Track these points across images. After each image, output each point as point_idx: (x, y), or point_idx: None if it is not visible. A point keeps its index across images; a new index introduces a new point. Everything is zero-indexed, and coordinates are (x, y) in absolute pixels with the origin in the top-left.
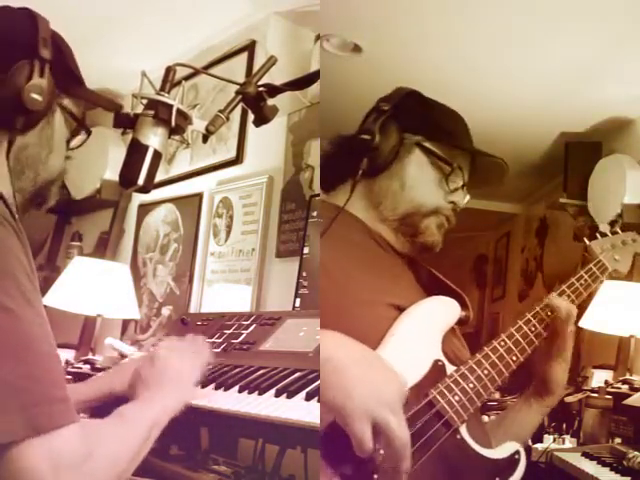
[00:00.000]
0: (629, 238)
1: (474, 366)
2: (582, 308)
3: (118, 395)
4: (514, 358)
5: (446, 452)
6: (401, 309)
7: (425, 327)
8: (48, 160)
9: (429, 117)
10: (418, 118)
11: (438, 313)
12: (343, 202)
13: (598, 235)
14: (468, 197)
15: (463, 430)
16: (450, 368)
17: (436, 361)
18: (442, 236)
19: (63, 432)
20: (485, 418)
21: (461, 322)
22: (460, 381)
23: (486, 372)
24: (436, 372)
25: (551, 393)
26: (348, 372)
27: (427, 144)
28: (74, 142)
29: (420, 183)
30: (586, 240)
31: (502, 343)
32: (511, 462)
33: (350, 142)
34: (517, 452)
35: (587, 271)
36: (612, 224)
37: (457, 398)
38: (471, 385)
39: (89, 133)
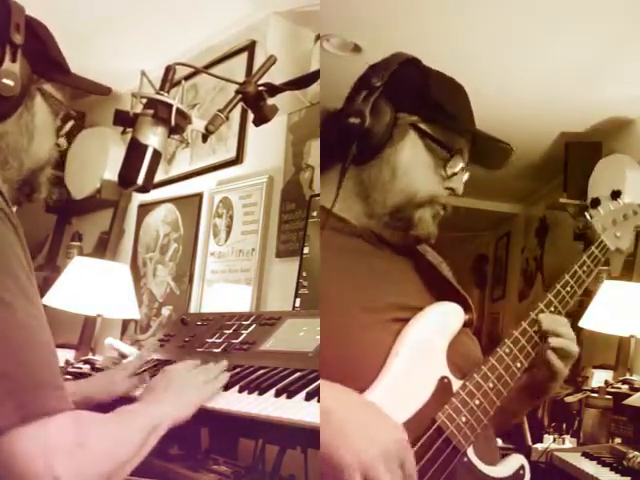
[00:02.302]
0: (630, 210)
1: (480, 381)
2: (582, 308)
3: (96, 401)
4: (519, 365)
5: (454, 477)
6: (404, 320)
7: (429, 341)
8: (30, 148)
9: (427, 94)
10: (414, 95)
11: (440, 324)
12: (329, 198)
13: (600, 210)
14: (467, 176)
15: (470, 451)
16: (456, 383)
17: (442, 378)
18: (437, 226)
19: (56, 419)
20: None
21: (464, 325)
22: (467, 400)
23: (492, 385)
24: (442, 390)
25: (535, 402)
26: (346, 428)
27: (423, 126)
28: (64, 129)
29: (414, 169)
30: (588, 216)
31: (507, 350)
32: (517, 478)
33: (337, 125)
34: (522, 467)
35: (589, 255)
36: (614, 196)
37: (464, 419)
38: (477, 402)
39: (75, 118)
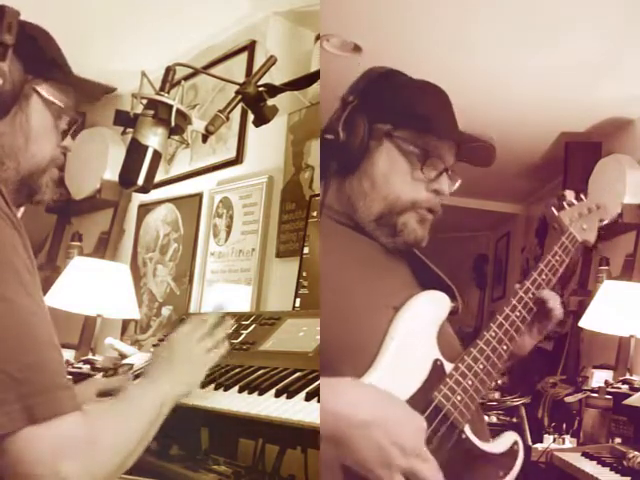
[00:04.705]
0: (593, 205)
1: (471, 362)
2: (582, 308)
3: None
4: (505, 347)
5: (453, 453)
6: (397, 309)
7: (421, 326)
8: (28, 148)
9: (398, 102)
10: (386, 105)
11: (430, 309)
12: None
13: (565, 205)
14: (459, 181)
15: (467, 429)
16: (447, 365)
17: (435, 361)
18: (428, 229)
19: (65, 420)
20: (485, 418)
21: (451, 313)
22: (461, 380)
23: (482, 366)
24: (436, 372)
25: (514, 358)
26: (372, 429)
27: (396, 133)
28: (71, 131)
29: (392, 177)
30: (554, 210)
31: (493, 334)
32: (512, 454)
33: (320, 141)
34: (516, 442)
35: (560, 246)
36: (577, 192)
37: (459, 398)
38: (469, 382)
39: (77, 120)
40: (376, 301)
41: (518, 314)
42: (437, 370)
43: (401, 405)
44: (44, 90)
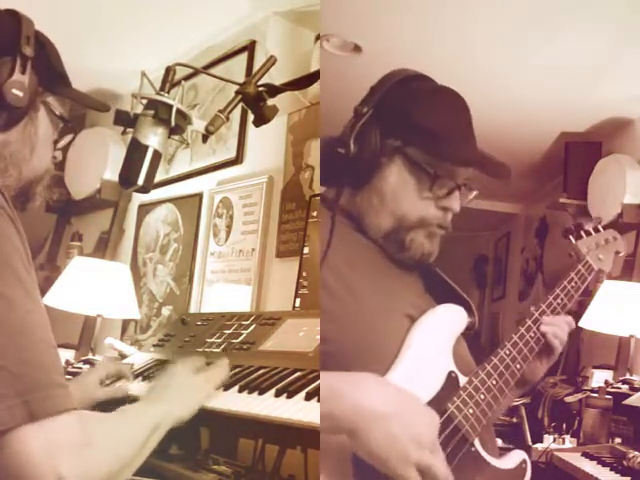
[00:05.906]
0: (610, 236)
1: (484, 377)
2: (582, 308)
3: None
4: (518, 366)
5: (463, 466)
6: (413, 319)
7: (437, 338)
8: (32, 158)
9: (412, 117)
10: (399, 119)
11: (448, 322)
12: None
13: (583, 234)
14: (475, 193)
15: (476, 442)
16: (462, 378)
17: (450, 373)
18: (437, 244)
19: (61, 418)
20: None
21: (467, 329)
22: (473, 393)
23: (494, 382)
24: (450, 384)
25: (527, 385)
26: (391, 422)
27: (408, 150)
28: (61, 142)
29: (400, 195)
30: (572, 239)
31: (507, 352)
32: (520, 471)
33: (330, 153)
34: (524, 461)
35: (577, 273)
36: (595, 222)
37: (471, 411)
38: (482, 397)
39: (75, 133)
40: (387, 306)
41: (533, 335)
42: (451, 382)
43: (416, 400)
44: (51, 102)
